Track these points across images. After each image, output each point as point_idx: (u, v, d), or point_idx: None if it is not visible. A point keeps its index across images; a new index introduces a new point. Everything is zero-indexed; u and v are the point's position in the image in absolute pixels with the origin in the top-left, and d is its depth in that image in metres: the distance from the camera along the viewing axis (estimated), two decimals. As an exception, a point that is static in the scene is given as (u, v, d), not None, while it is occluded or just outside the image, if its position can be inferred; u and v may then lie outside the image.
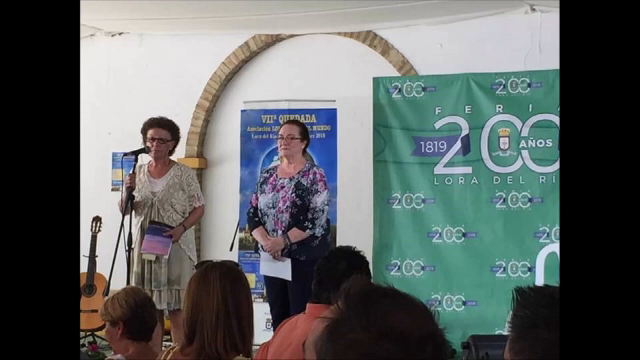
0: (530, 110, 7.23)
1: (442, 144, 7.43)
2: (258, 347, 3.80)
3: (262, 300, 7.44)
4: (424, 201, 7.47)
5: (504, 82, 7.31)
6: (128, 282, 6.38)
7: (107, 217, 7.54)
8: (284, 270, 6.17)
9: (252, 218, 6.41)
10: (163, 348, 4.27)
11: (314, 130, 7.61)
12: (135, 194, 6.54)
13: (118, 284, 6.08)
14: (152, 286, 6.46)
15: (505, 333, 1.71)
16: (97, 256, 7.59)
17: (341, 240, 7.21)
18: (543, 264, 6.99)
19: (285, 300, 6.16)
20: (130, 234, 6.54)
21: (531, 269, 7.09)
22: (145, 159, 6.74)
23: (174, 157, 6.86)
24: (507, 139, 7.29)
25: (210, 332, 3.10)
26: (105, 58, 9.06)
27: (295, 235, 6.18)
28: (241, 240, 7.79)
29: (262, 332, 6.58)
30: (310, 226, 6.21)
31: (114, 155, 8.84)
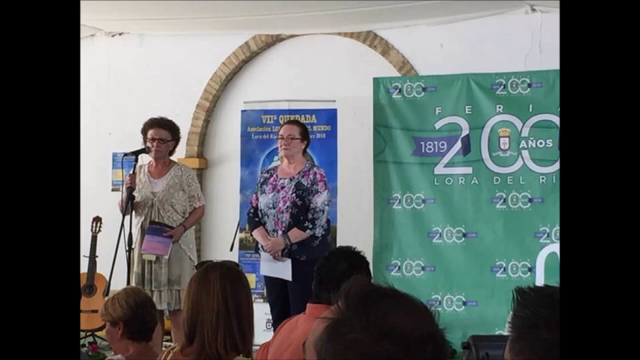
0: (530, 110, 7.23)
1: (442, 144, 7.43)
2: (258, 347, 3.80)
3: (262, 300, 7.44)
4: (424, 201, 7.47)
5: (504, 82, 7.31)
6: (128, 282, 6.38)
7: (107, 217, 7.54)
8: (284, 270, 6.17)
9: (252, 218, 6.41)
10: (163, 348, 4.27)
11: (314, 130, 7.61)
12: (135, 194, 6.54)
13: (118, 284, 6.08)
14: (152, 286, 6.46)
15: (505, 333, 1.72)
16: (97, 256, 7.59)
17: (341, 240, 7.21)
18: (543, 264, 6.99)
19: (285, 300, 6.16)
20: (130, 234, 6.54)
21: (531, 269, 7.09)
22: (145, 159, 6.74)
23: (174, 157, 6.86)
24: (507, 139, 7.29)
25: (210, 332, 3.10)
26: (105, 58, 9.06)
27: (295, 235, 6.18)
28: (241, 240, 7.79)
29: (262, 332, 6.58)
30: (310, 226, 6.21)
31: (114, 155, 8.84)
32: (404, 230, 7.52)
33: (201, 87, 8.82)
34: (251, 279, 7.41)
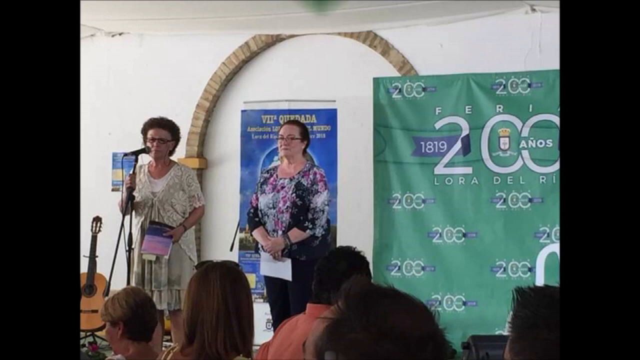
0: (530, 110, 7.23)
1: (442, 144, 7.43)
2: (258, 347, 3.80)
3: (262, 300, 7.44)
4: (424, 201, 7.47)
5: (504, 82, 7.31)
6: (128, 282, 6.38)
7: (107, 217, 7.54)
8: (284, 270, 6.17)
9: (252, 218, 6.41)
10: (163, 348, 4.27)
11: (314, 130, 7.61)
12: (135, 194, 6.54)
13: (118, 284, 6.08)
14: (152, 286, 6.46)
15: (505, 333, 1.72)
16: (97, 256, 7.60)
17: (341, 240, 7.21)
18: (543, 264, 6.99)
19: (285, 300, 6.16)
20: (130, 234, 6.54)
21: (531, 269, 7.09)
22: (145, 159, 6.74)
23: (174, 157, 6.86)
24: (507, 139, 7.29)
25: (210, 332, 3.10)
26: (105, 58, 9.06)
27: (295, 235, 6.18)
28: (241, 240, 7.79)
29: (262, 332, 6.58)
30: (310, 226, 6.21)
31: (114, 155, 8.84)
32: (404, 230, 7.53)
33: (201, 87, 8.82)
34: (251, 279, 7.41)
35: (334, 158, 7.76)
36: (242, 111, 8.23)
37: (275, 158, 7.68)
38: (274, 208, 6.29)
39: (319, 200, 6.26)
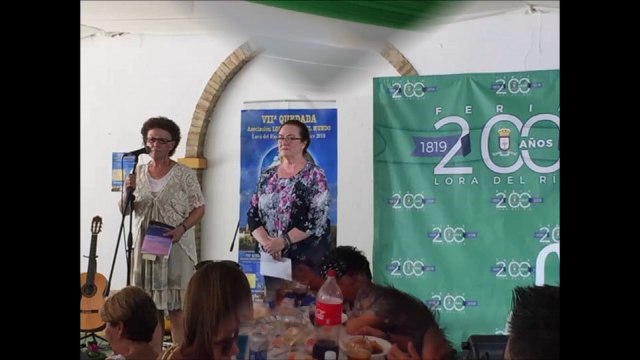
0: (530, 110, 7.24)
1: (442, 144, 7.44)
2: (258, 347, 3.80)
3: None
4: (424, 201, 7.48)
5: (504, 82, 7.31)
6: (128, 282, 6.38)
7: (107, 217, 7.55)
8: (284, 270, 6.17)
9: (252, 218, 6.41)
10: (163, 348, 4.27)
11: (314, 130, 7.61)
12: (135, 194, 6.54)
13: (118, 284, 6.07)
14: (152, 286, 6.46)
15: (505, 333, 1.72)
16: (97, 256, 7.60)
17: (341, 240, 7.21)
18: (543, 264, 6.99)
19: (285, 301, 6.16)
20: (130, 234, 6.54)
21: (531, 269, 7.10)
22: (145, 159, 6.74)
23: (174, 157, 6.86)
24: (507, 139, 7.29)
25: (210, 332, 3.10)
26: (105, 58, 9.06)
27: (295, 235, 6.18)
28: (241, 240, 7.79)
29: (262, 332, 6.57)
30: (310, 226, 6.21)
31: (114, 155, 8.85)
32: (404, 230, 7.53)
33: (201, 87, 8.82)
34: (251, 279, 7.41)
35: (334, 158, 7.76)
36: (242, 111, 8.23)
37: (275, 158, 7.68)
38: (274, 208, 6.29)
39: (319, 200, 6.26)
